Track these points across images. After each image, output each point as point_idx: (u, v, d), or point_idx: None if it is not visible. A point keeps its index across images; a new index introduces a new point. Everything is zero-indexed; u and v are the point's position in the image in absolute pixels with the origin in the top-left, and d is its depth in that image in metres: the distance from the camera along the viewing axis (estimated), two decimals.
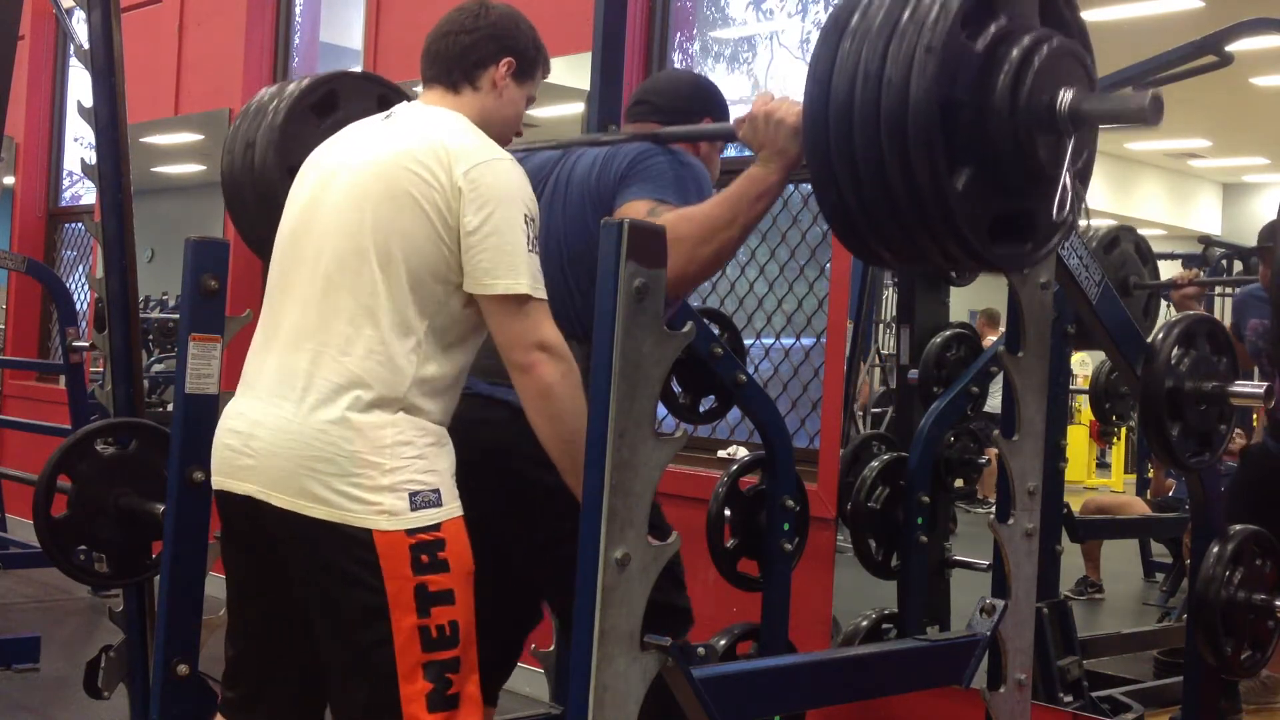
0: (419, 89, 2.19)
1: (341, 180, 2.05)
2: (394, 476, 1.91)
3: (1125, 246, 3.35)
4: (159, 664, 2.39)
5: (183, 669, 2.38)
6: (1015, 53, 1.66)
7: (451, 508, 1.96)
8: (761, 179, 2.12)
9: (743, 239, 2.18)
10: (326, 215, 2.04)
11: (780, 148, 2.10)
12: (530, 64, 2.17)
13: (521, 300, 1.94)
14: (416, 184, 1.96)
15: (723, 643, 2.83)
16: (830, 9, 1.79)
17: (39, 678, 4.22)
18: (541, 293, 1.96)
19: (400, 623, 1.90)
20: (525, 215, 1.97)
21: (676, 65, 4.50)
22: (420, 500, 1.92)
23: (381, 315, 1.95)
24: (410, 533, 1.91)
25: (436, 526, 1.93)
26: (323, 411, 1.94)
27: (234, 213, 2.62)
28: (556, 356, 1.95)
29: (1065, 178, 1.69)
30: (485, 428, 2.22)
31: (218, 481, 2.08)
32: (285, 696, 2.14)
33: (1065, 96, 1.67)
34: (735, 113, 2.32)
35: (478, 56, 2.13)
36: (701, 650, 2.79)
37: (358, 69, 5.27)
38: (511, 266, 1.94)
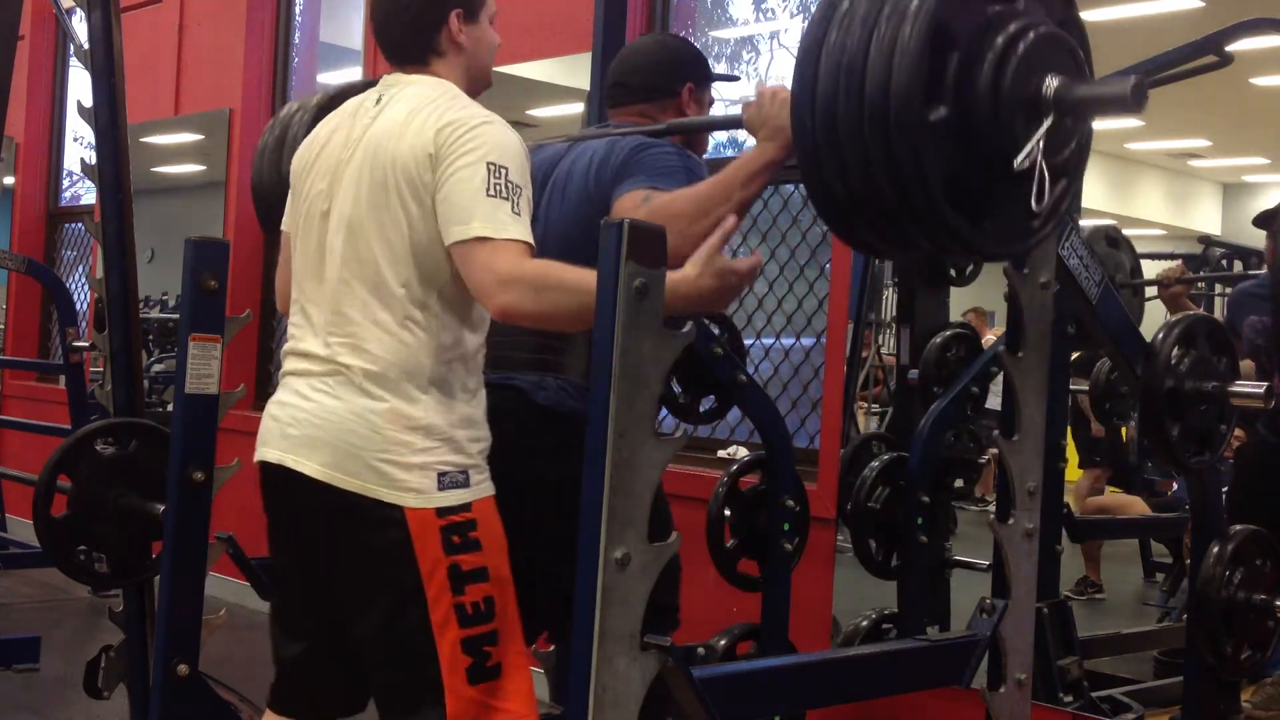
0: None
1: (346, 170, 2.04)
2: (423, 457, 1.93)
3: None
4: (159, 664, 2.38)
5: (183, 669, 2.38)
6: (1000, 39, 1.66)
7: (481, 487, 1.99)
8: (757, 156, 2.10)
9: (739, 216, 2.12)
10: (336, 206, 2.04)
11: (780, 124, 2.05)
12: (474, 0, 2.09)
13: (482, 243, 1.86)
14: (415, 166, 1.94)
15: (723, 643, 2.83)
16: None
17: (39, 678, 4.22)
18: (503, 233, 1.86)
19: (436, 602, 1.92)
20: (489, 164, 1.90)
21: None
22: (448, 481, 1.94)
23: (391, 296, 1.96)
24: (440, 513, 1.93)
25: (466, 506, 1.95)
26: (356, 399, 1.96)
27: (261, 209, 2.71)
28: (521, 284, 1.84)
29: (1040, 164, 1.68)
30: (494, 419, 2.18)
31: (259, 453, 2.08)
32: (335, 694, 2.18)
33: (1052, 83, 1.67)
34: (731, 98, 2.31)
35: (425, 25, 2.06)
36: (701, 650, 2.80)
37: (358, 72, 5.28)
38: (463, 210, 1.88)
